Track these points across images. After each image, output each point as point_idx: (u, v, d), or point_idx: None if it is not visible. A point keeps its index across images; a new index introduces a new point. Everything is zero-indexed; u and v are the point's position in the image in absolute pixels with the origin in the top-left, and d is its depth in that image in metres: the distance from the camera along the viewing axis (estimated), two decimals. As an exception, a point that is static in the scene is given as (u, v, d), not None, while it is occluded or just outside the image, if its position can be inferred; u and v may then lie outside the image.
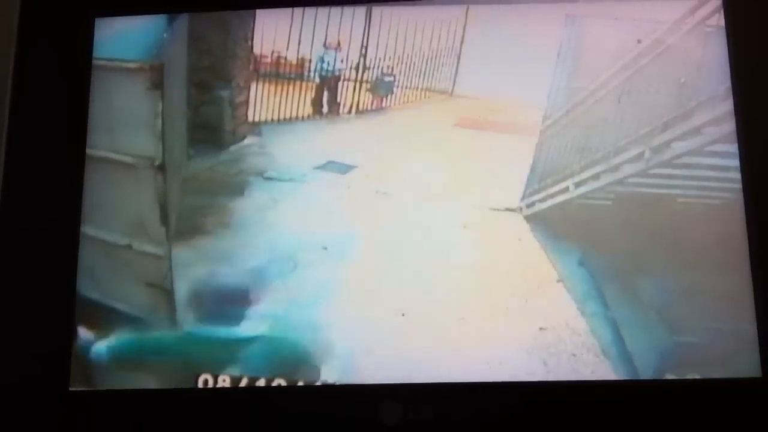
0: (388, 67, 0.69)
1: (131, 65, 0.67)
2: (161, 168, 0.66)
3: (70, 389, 0.62)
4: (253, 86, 0.69)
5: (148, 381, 0.62)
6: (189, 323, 0.63)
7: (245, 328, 0.63)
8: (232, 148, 0.68)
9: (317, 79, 0.69)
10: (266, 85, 0.69)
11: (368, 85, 0.69)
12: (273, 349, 0.62)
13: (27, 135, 0.66)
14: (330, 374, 0.61)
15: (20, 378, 0.62)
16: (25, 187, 0.66)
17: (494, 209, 0.65)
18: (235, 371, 0.62)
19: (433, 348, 0.61)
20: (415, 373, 0.60)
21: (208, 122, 0.68)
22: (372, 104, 0.70)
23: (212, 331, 0.63)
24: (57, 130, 0.67)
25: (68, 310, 0.63)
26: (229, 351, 0.62)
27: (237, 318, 0.63)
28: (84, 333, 0.63)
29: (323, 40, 0.68)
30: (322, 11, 0.68)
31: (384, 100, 0.70)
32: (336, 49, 0.68)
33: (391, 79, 0.70)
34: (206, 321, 0.63)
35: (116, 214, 0.66)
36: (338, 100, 0.69)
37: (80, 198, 0.65)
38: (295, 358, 0.62)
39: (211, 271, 0.64)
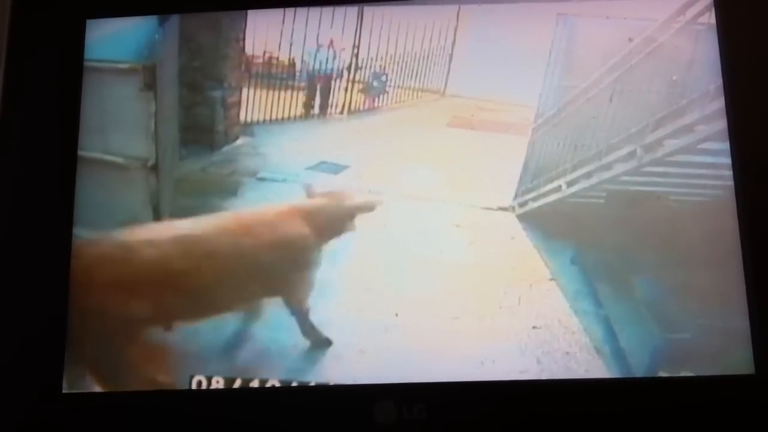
0: (380, 67, 0.69)
1: (123, 66, 0.67)
2: (154, 169, 0.66)
3: (63, 391, 0.62)
4: (244, 87, 0.69)
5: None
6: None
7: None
8: (225, 148, 0.68)
9: (309, 80, 0.69)
10: (258, 85, 0.69)
11: (360, 86, 0.69)
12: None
13: (19, 136, 0.66)
14: (324, 374, 0.61)
15: (14, 380, 0.62)
16: (16, 189, 0.66)
17: (487, 208, 0.65)
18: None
19: (427, 347, 0.61)
20: (409, 373, 0.60)
21: (200, 123, 0.68)
22: (364, 104, 0.70)
23: None
24: (49, 132, 0.66)
25: (62, 312, 0.63)
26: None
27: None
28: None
29: (315, 41, 0.68)
30: (314, 11, 0.68)
31: (376, 100, 0.70)
32: (328, 50, 0.69)
33: (383, 79, 0.70)
34: None
35: (110, 216, 0.65)
36: (330, 100, 0.69)
37: (72, 200, 0.65)
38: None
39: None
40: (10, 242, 0.65)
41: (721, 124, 0.62)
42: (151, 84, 0.66)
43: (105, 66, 0.67)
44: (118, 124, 0.67)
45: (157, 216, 0.65)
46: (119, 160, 0.66)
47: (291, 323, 0.63)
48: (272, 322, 0.63)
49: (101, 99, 0.67)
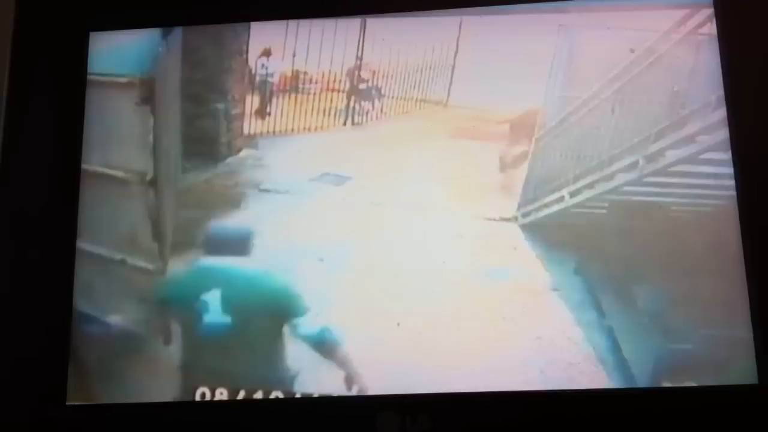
0: (382, 78, 0.69)
1: (122, 80, 0.67)
2: (153, 183, 0.66)
3: (67, 403, 0.62)
4: (248, 99, 0.69)
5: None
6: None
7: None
8: (228, 160, 0.68)
9: (312, 92, 0.69)
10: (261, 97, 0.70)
11: (363, 97, 0.69)
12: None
13: (22, 149, 0.67)
14: (327, 385, 0.61)
15: (18, 392, 0.62)
16: (21, 200, 0.66)
17: (490, 219, 0.65)
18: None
19: (430, 358, 0.61)
20: (412, 384, 0.60)
21: (204, 135, 0.69)
22: (367, 115, 0.70)
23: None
24: (52, 145, 0.67)
25: (65, 324, 0.63)
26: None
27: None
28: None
29: (318, 52, 0.68)
30: (317, 23, 0.68)
31: (379, 111, 0.70)
32: (330, 61, 0.69)
33: (386, 90, 0.70)
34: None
35: (111, 229, 0.66)
36: (333, 111, 0.69)
37: (76, 211, 0.65)
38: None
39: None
40: (16, 254, 0.65)
41: (723, 134, 0.62)
42: (148, 98, 0.66)
43: (105, 79, 0.68)
44: (118, 138, 0.67)
45: (156, 230, 0.65)
46: (119, 173, 0.66)
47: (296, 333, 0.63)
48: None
49: (102, 112, 0.67)
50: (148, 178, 0.66)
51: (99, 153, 0.67)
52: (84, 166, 0.66)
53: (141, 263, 0.65)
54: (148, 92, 0.66)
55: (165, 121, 0.67)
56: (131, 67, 0.68)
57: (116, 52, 0.68)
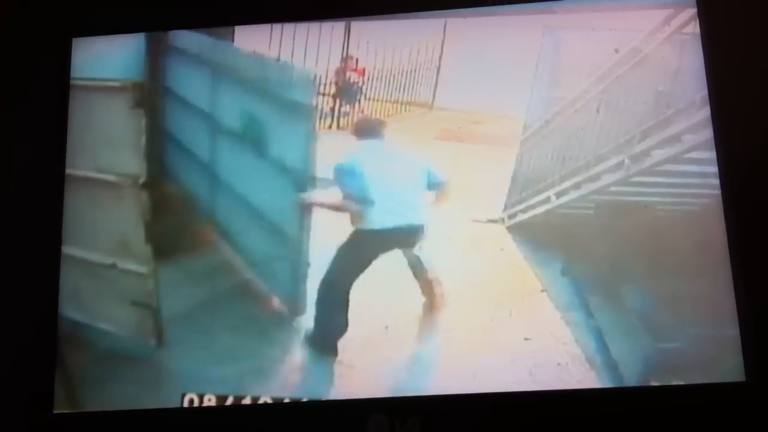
0: (368, 80, 0.69)
1: (113, 84, 0.67)
2: (145, 186, 0.65)
3: (54, 411, 0.62)
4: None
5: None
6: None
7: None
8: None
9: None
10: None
11: (349, 99, 0.69)
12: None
13: (5, 156, 0.66)
14: (316, 390, 0.61)
15: (5, 401, 0.62)
16: (5, 208, 0.65)
17: (477, 221, 0.65)
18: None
19: (419, 360, 0.61)
20: (401, 386, 0.60)
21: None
22: (353, 118, 0.70)
23: None
24: (36, 151, 0.66)
25: (51, 332, 0.63)
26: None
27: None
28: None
29: (302, 56, 0.68)
30: (301, 27, 0.68)
31: (364, 113, 0.70)
32: (316, 65, 0.68)
33: (372, 92, 0.70)
34: None
35: (100, 234, 0.65)
36: (319, 114, 0.69)
37: (61, 218, 0.65)
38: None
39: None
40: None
41: (708, 133, 0.62)
42: (141, 101, 0.66)
43: (94, 84, 0.67)
44: (109, 142, 0.66)
45: (149, 233, 0.65)
46: (110, 177, 0.66)
47: (283, 338, 0.63)
48: (267, 337, 0.63)
49: (91, 117, 0.67)
50: (141, 181, 0.65)
51: (89, 158, 0.66)
52: (73, 171, 0.66)
53: (132, 267, 0.65)
54: (140, 95, 0.66)
55: (154, 125, 0.67)
56: (120, 71, 0.67)
57: (105, 57, 0.68)
